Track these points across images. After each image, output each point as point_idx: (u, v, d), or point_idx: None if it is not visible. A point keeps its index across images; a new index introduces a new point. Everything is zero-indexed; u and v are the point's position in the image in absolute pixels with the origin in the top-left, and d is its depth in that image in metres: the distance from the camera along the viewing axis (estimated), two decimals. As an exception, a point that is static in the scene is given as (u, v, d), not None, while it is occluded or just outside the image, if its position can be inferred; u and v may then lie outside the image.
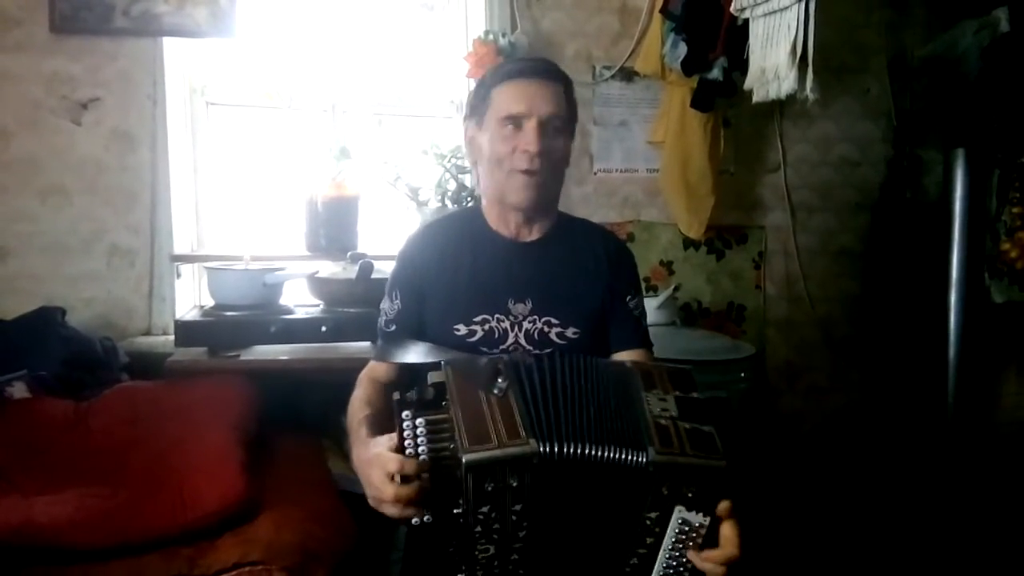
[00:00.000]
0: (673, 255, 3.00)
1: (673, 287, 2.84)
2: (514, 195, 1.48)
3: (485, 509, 1.12)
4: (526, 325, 1.47)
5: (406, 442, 1.16)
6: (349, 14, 2.80)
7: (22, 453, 1.81)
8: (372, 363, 1.58)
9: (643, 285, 2.90)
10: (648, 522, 1.17)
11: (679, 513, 1.15)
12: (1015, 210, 2.85)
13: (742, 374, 2.57)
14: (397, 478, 1.14)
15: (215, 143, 2.74)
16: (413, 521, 1.16)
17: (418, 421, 1.15)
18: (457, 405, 1.15)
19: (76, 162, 2.43)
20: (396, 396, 1.19)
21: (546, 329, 1.48)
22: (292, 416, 2.19)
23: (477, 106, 1.51)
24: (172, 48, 2.53)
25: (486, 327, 1.46)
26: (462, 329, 1.46)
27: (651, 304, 2.71)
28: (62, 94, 2.41)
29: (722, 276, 3.06)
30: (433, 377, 1.21)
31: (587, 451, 1.14)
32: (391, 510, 1.17)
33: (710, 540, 1.17)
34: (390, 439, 1.19)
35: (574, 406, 1.20)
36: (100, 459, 1.81)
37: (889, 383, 3.14)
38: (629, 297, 1.59)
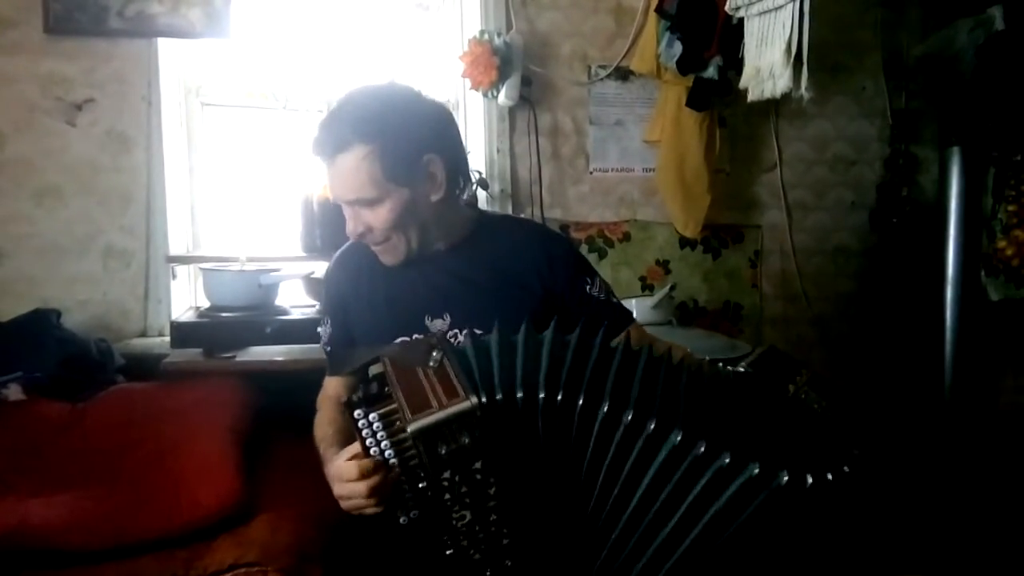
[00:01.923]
0: (669, 254, 3.00)
1: (669, 286, 2.83)
2: (383, 258, 1.46)
3: (447, 474, 1.13)
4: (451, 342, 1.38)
5: (368, 441, 1.17)
6: (344, 14, 2.80)
7: (17, 455, 1.81)
8: (325, 383, 1.59)
9: (639, 284, 2.94)
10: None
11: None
12: (1011, 208, 2.85)
13: (739, 373, 2.57)
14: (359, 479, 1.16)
15: (210, 144, 2.73)
16: (401, 520, 1.18)
17: (371, 417, 1.17)
18: (397, 387, 1.16)
19: (71, 163, 2.42)
20: (343, 400, 1.21)
21: None
22: (288, 417, 2.18)
23: None
24: (167, 49, 2.52)
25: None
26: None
27: (647, 303, 2.70)
28: (56, 95, 2.41)
29: (718, 275, 3.06)
30: (373, 370, 1.24)
31: (540, 395, 1.13)
32: (371, 509, 1.20)
33: None
34: (351, 448, 1.21)
35: (530, 355, 1.18)
36: (95, 461, 1.81)
37: (886, 381, 3.14)
38: (587, 286, 1.52)
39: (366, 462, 1.16)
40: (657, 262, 2.99)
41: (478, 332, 1.33)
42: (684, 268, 3.02)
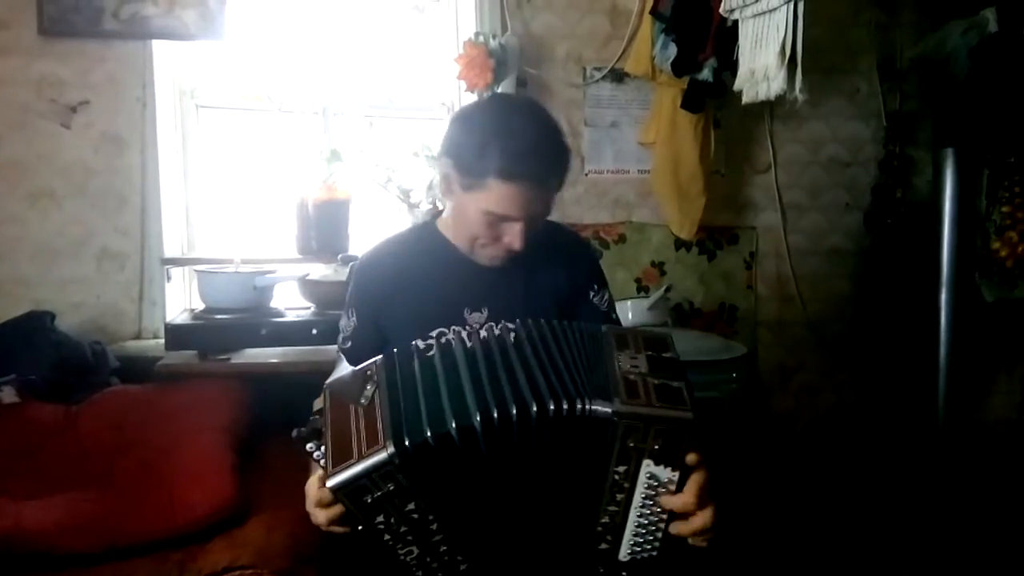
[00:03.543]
0: (665, 256, 3.00)
1: (665, 288, 2.84)
2: (483, 260, 1.47)
3: (380, 519, 1.11)
4: (483, 334, 1.41)
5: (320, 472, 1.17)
6: (339, 16, 2.80)
7: (11, 458, 1.81)
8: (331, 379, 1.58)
9: (635, 286, 2.94)
10: (617, 477, 1.14)
11: (647, 467, 1.13)
12: (1005, 209, 2.86)
13: (734, 374, 2.57)
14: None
15: (205, 146, 2.73)
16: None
17: (322, 449, 1.15)
18: (328, 429, 1.14)
19: (65, 165, 2.42)
20: (295, 433, 1.20)
21: None
22: (283, 419, 2.17)
23: (469, 166, 1.36)
24: (161, 51, 2.52)
25: (443, 340, 1.38)
26: (421, 345, 1.43)
27: (643, 305, 2.71)
28: (51, 97, 2.40)
29: (714, 277, 3.07)
30: (316, 404, 1.22)
31: (476, 420, 1.10)
32: (335, 529, 1.20)
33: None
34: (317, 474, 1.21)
35: (471, 381, 1.16)
36: (90, 463, 1.81)
37: (880, 382, 3.15)
38: (592, 293, 1.56)
39: (325, 495, 1.15)
40: (652, 264, 2.99)
41: (511, 326, 1.35)
42: (679, 270, 3.02)
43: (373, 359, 1.23)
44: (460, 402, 1.12)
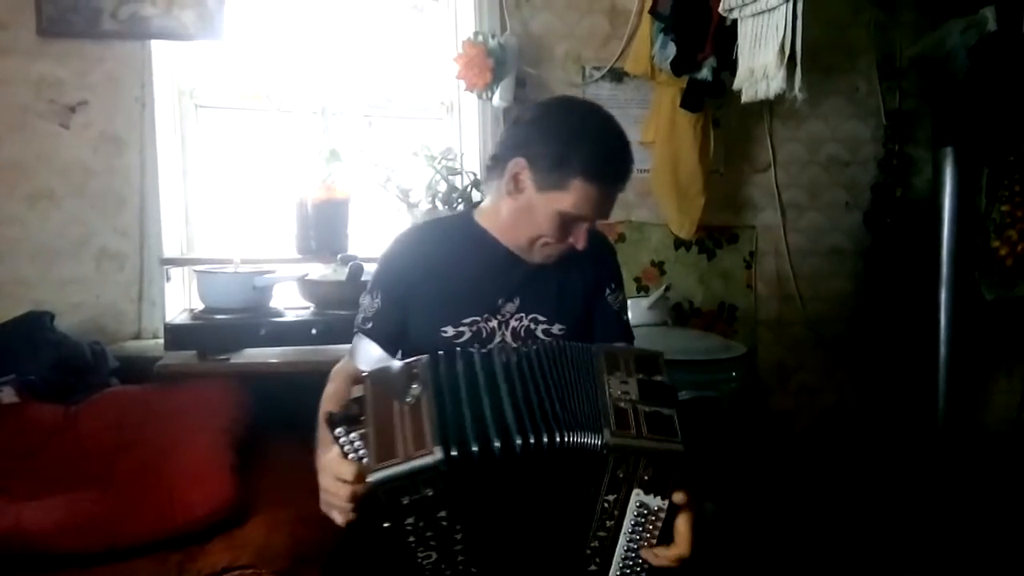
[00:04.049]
0: (664, 255, 3.00)
1: (664, 287, 2.84)
2: (538, 258, 1.49)
3: (411, 520, 1.12)
4: (513, 323, 1.48)
5: (349, 456, 1.17)
6: (338, 16, 2.80)
7: (11, 458, 1.81)
8: (346, 358, 1.57)
9: (634, 285, 2.94)
10: (607, 505, 1.16)
11: (637, 496, 1.15)
12: (1004, 208, 2.86)
13: (733, 373, 2.57)
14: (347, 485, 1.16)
15: (204, 146, 2.73)
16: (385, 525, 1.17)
17: (352, 435, 1.15)
18: (371, 421, 1.14)
19: (64, 166, 2.42)
20: (327, 414, 1.20)
21: (532, 326, 1.49)
22: (282, 419, 2.18)
23: (550, 167, 1.38)
24: (160, 51, 2.52)
25: (474, 328, 1.47)
26: (450, 331, 1.46)
27: (642, 304, 2.71)
28: (50, 98, 2.40)
29: (713, 276, 3.07)
30: (355, 391, 1.20)
31: (518, 442, 1.12)
32: (339, 517, 1.20)
33: (668, 526, 1.18)
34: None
35: (508, 396, 1.18)
36: (89, 464, 1.81)
37: (880, 381, 3.15)
38: (608, 291, 1.59)
39: (346, 470, 1.15)
40: (652, 263, 2.99)
41: (542, 318, 1.48)
42: (679, 269, 3.02)
43: (416, 358, 1.23)
44: (502, 419, 1.14)
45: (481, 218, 1.55)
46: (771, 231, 3.11)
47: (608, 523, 1.18)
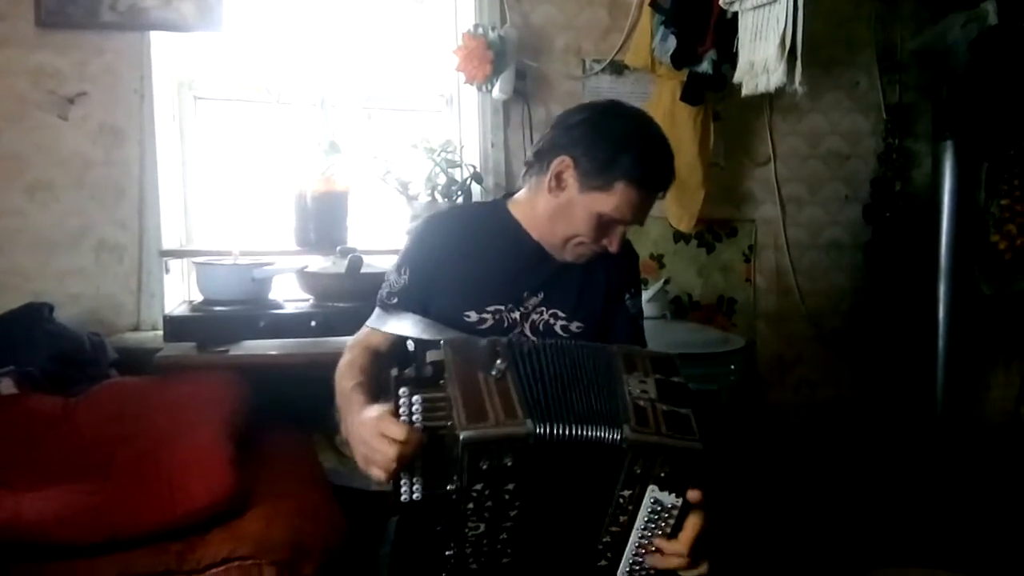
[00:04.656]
0: (663, 248, 3.00)
1: (663, 280, 2.84)
2: (569, 256, 1.51)
3: (479, 487, 1.13)
4: (533, 316, 1.50)
5: (401, 417, 1.17)
6: (338, 7, 2.79)
7: (10, 449, 1.80)
8: (366, 330, 1.57)
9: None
10: (622, 500, 1.18)
11: (652, 492, 1.17)
12: (1004, 202, 2.86)
13: (732, 367, 2.58)
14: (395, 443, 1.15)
15: (203, 138, 2.73)
16: (403, 497, 1.17)
17: (415, 398, 1.16)
18: (455, 384, 1.16)
19: (63, 157, 2.41)
20: (394, 372, 1.21)
21: (552, 321, 1.51)
22: (282, 411, 2.18)
23: (596, 168, 1.40)
24: (159, 42, 2.51)
25: (497, 316, 1.48)
26: (473, 316, 1.48)
27: (642, 298, 2.70)
28: (48, 89, 2.39)
29: (712, 269, 3.07)
30: (432, 356, 1.22)
31: (574, 431, 1.15)
32: (380, 474, 1.18)
33: (680, 524, 1.20)
34: (390, 407, 1.19)
35: (563, 387, 1.22)
36: (88, 455, 1.81)
37: (879, 375, 3.15)
38: (627, 296, 1.61)
39: (416, 435, 1.14)
40: (651, 256, 2.99)
41: (562, 315, 1.50)
42: (678, 262, 3.02)
43: (495, 338, 1.28)
44: (570, 408, 1.18)
45: (514, 209, 1.57)
46: (770, 225, 3.11)
47: (622, 518, 1.20)
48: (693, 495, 1.18)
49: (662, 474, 1.16)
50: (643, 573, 1.24)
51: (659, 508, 1.18)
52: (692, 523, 1.20)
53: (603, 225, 1.45)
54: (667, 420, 1.17)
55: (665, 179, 1.46)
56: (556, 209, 1.47)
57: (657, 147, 1.44)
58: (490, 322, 1.47)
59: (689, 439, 1.16)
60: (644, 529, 1.20)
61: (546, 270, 1.53)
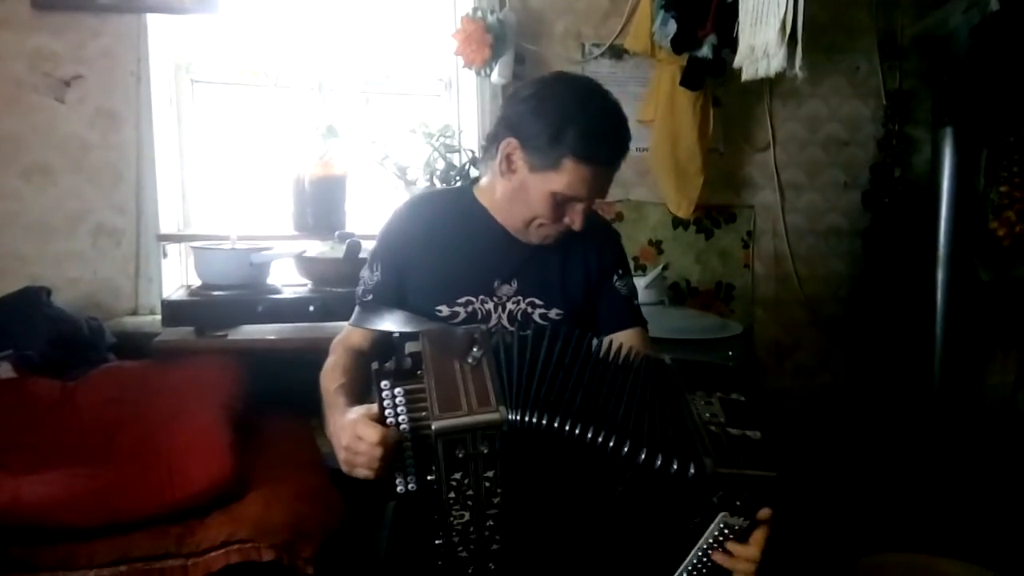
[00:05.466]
0: (662, 234, 3.00)
1: (662, 266, 2.83)
2: (535, 239, 1.48)
3: (457, 476, 1.13)
4: (509, 306, 1.48)
5: (386, 411, 1.17)
6: (336, -10, 2.77)
7: (9, 433, 1.81)
8: (347, 330, 1.56)
9: (632, 264, 2.93)
10: (691, 526, 1.17)
11: (723, 517, 1.16)
12: (1003, 189, 2.85)
13: (730, 353, 2.57)
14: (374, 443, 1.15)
15: (200, 121, 2.71)
16: (399, 489, 1.18)
17: (396, 391, 1.17)
18: (431, 374, 1.16)
19: (60, 140, 2.41)
20: (375, 366, 1.21)
21: (529, 310, 1.48)
22: (280, 395, 2.19)
23: (542, 147, 1.36)
24: (156, 25, 2.49)
25: (469, 308, 1.46)
26: (445, 310, 1.45)
27: (640, 283, 2.68)
28: (44, 71, 2.38)
29: (711, 255, 3.07)
30: (410, 347, 1.23)
31: (569, 425, 1.14)
32: (366, 474, 1.18)
33: (742, 537, 1.19)
34: (369, 408, 1.20)
35: (565, 380, 1.19)
36: (87, 439, 1.81)
37: (876, 361, 3.16)
38: (615, 277, 1.57)
39: (391, 433, 1.15)
40: (650, 242, 2.99)
41: (539, 302, 1.47)
42: (676, 248, 3.02)
43: (474, 326, 1.28)
44: (569, 404, 1.16)
45: (480, 195, 1.54)
46: (769, 211, 3.10)
47: (687, 539, 1.19)
48: (763, 512, 1.17)
49: (737, 502, 1.15)
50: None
51: (726, 530, 1.17)
52: (759, 536, 1.18)
53: (560, 204, 1.40)
54: (742, 448, 1.16)
55: (615, 151, 1.40)
56: (511, 192, 1.43)
57: (603, 118, 1.38)
58: (463, 315, 1.45)
59: (765, 468, 1.15)
60: (707, 548, 1.19)
61: (517, 257, 1.49)
